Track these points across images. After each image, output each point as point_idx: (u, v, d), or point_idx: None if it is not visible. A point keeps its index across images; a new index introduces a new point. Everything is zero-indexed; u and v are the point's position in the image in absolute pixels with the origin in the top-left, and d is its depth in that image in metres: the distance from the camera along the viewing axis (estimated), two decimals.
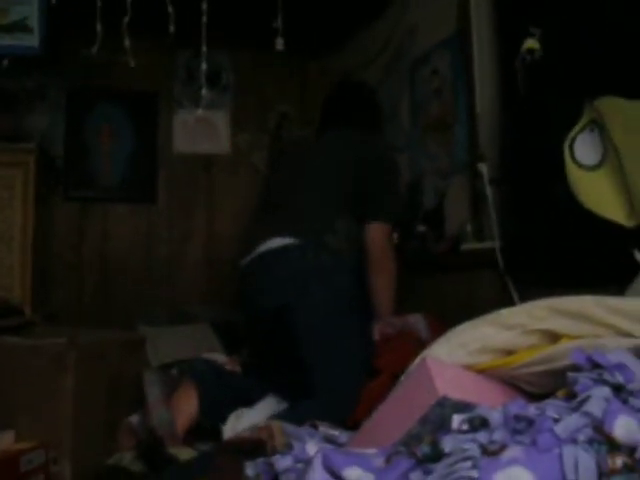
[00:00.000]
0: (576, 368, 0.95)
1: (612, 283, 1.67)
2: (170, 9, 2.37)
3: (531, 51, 2.13)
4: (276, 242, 2.19)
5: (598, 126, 1.86)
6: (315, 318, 2.05)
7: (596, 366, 0.94)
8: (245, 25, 3.37)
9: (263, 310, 2.19)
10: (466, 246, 2.49)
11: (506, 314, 1.10)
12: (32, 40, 2.29)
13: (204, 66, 2.39)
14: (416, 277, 2.79)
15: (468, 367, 1.10)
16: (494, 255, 2.29)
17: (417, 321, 2.28)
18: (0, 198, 2.75)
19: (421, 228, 2.78)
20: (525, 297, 2.17)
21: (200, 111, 2.57)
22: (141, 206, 3.64)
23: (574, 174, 1.90)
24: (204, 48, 2.39)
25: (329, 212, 2.28)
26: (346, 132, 2.53)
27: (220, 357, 2.48)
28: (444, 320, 2.25)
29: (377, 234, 2.35)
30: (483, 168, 2.37)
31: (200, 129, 3.69)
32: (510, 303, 2.18)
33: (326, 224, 2.22)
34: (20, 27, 2.28)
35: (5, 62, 2.27)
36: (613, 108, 1.79)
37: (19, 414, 1.75)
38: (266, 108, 3.87)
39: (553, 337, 1.07)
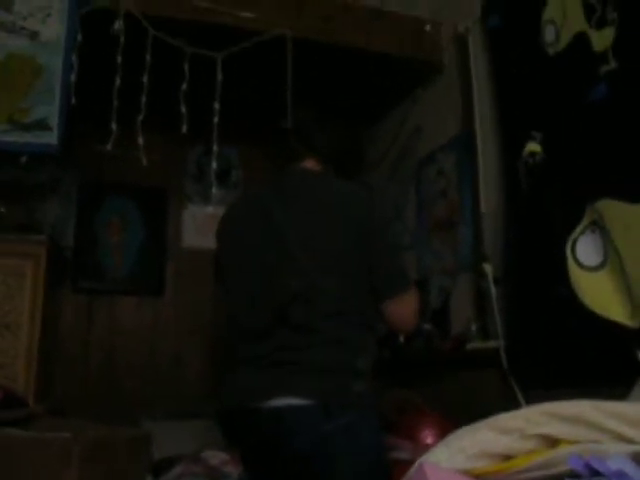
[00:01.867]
0: (575, 474, 0.94)
1: (616, 384, 1.66)
2: (183, 109, 2.46)
3: (533, 154, 2.19)
4: (295, 401, 1.75)
5: (599, 227, 1.89)
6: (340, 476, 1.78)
7: (595, 473, 0.93)
8: (255, 123, 3.47)
9: (278, 461, 1.87)
10: (471, 345, 2.48)
11: (504, 418, 1.09)
12: (51, 138, 2.36)
13: (214, 165, 2.45)
14: (421, 375, 2.78)
15: (466, 472, 1.08)
16: (499, 354, 2.29)
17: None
18: (10, 287, 2.76)
19: (427, 326, 2.78)
20: (530, 397, 2.16)
21: (210, 209, 2.62)
22: (148, 299, 3.65)
23: (576, 275, 1.93)
24: (215, 148, 2.47)
25: (349, 341, 1.83)
26: (316, 175, 2.02)
27: (222, 455, 2.45)
28: (448, 419, 2.24)
29: (402, 310, 1.94)
30: (488, 268, 2.39)
31: (209, 224, 3.74)
32: (515, 403, 2.17)
33: (350, 365, 1.81)
34: (41, 126, 2.36)
35: (24, 159, 2.35)
36: (613, 210, 1.83)
37: None
38: None
39: (552, 442, 1.06)
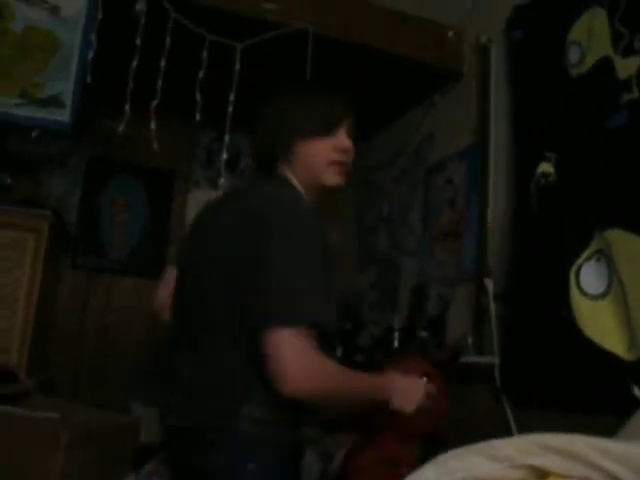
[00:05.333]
0: None
1: (607, 414, 1.65)
2: (198, 97, 2.45)
3: (545, 175, 2.18)
4: (178, 423, 1.45)
5: (605, 256, 1.88)
6: None
7: None
8: None
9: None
10: (465, 358, 2.47)
11: (496, 445, 1.08)
12: (64, 115, 2.34)
13: (224, 155, 2.43)
14: None
15: None
16: (492, 370, 2.28)
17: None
18: (10, 260, 2.75)
19: (423, 334, 2.77)
20: (520, 415, 2.16)
21: (216, 195, 2.60)
22: (147, 281, 3.63)
23: (577, 301, 1.92)
24: (227, 138, 2.45)
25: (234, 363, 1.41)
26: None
27: None
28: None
29: (273, 355, 1.30)
30: (489, 283, 2.38)
31: None
32: (504, 420, 2.17)
33: (242, 384, 1.39)
34: (54, 102, 2.34)
35: (35, 133, 2.34)
36: (621, 241, 1.82)
37: None
38: None
39: (541, 473, 1.06)
